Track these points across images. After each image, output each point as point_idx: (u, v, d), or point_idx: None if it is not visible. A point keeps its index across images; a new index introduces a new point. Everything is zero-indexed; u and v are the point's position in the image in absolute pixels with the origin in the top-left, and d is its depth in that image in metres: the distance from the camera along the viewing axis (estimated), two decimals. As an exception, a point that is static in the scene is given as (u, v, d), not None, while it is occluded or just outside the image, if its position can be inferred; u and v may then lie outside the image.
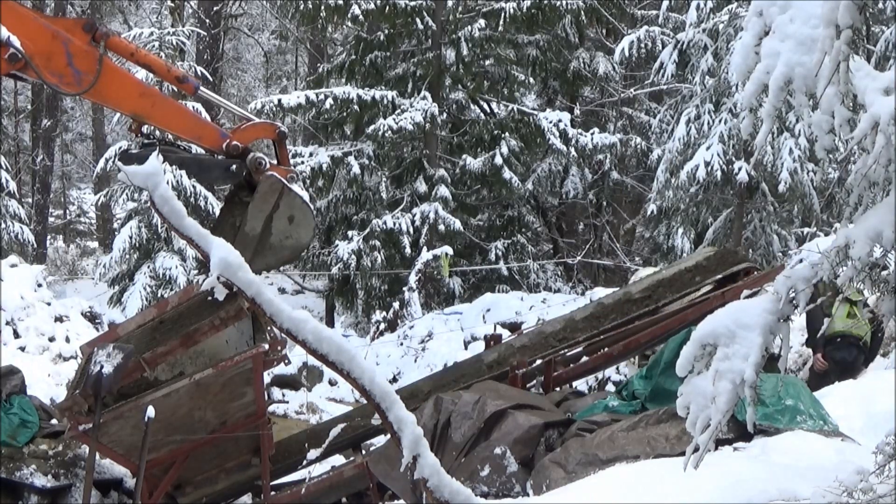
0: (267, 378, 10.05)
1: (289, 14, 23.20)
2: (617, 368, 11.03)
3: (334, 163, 20.02)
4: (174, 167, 6.62)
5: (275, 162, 6.90)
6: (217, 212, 18.79)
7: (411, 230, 19.40)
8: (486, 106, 22.20)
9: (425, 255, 17.75)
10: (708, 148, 15.09)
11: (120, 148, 18.71)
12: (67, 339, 12.17)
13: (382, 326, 16.80)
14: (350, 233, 19.74)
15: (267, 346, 6.64)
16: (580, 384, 11.14)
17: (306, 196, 6.91)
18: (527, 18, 20.51)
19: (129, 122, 6.59)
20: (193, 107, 18.66)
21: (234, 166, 6.55)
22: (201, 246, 4.13)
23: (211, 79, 23.47)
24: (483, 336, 10.75)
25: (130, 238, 18.16)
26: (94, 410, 6.02)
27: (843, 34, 2.64)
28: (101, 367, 5.85)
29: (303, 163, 20.04)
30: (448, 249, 17.58)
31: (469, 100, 21.74)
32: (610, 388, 10.96)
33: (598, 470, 5.07)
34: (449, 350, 14.30)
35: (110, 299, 18.89)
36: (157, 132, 6.75)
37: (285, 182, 6.66)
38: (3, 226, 19.68)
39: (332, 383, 13.97)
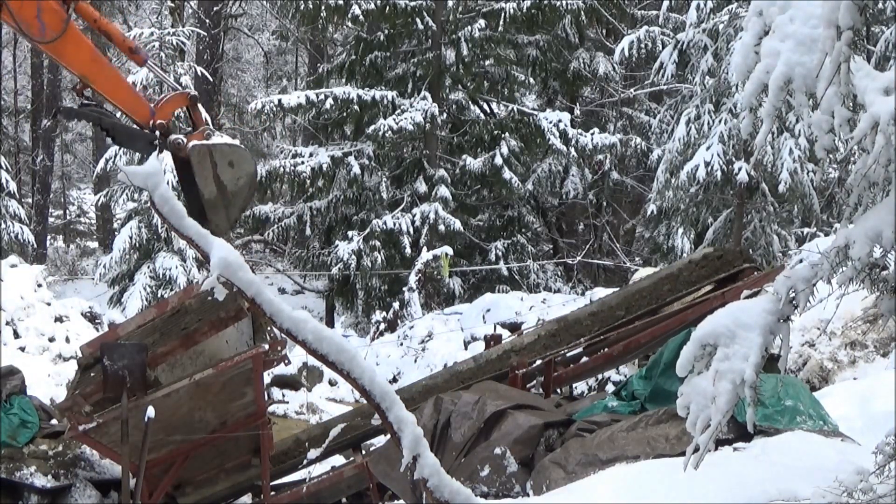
0: (267, 378, 10.06)
1: (289, 14, 23.21)
2: (617, 369, 11.02)
3: (334, 163, 20.03)
4: (103, 129, 6.89)
5: (190, 129, 7.15)
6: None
7: (411, 230, 19.41)
8: (486, 106, 22.21)
9: (425, 255, 17.75)
10: (708, 148, 15.09)
11: (120, 148, 18.73)
12: (67, 340, 12.17)
13: (382, 326, 16.80)
14: (350, 233, 19.75)
15: (267, 346, 6.64)
16: (580, 385, 11.15)
17: (228, 139, 7.18)
18: (527, 19, 20.53)
19: (76, 82, 6.86)
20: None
21: (156, 140, 6.88)
22: (201, 246, 4.12)
23: (211, 79, 23.46)
24: (483, 336, 10.74)
25: (130, 238, 18.15)
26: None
27: (844, 35, 2.64)
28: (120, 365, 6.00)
29: (303, 163, 20.06)
30: (448, 250, 17.58)
31: (469, 100, 21.75)
32: (610, 388, 10.95)
33: (598, 470, 5.07)
34: (449, 350, 14.29)
35: (110, 299, 18.89)
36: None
37: (206, 143, 6.90)
38: (3, 226, 19.68)
39: (332, 383, 13.97)
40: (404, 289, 17.56)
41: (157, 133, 6.81)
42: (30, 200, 26.15)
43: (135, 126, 6.91)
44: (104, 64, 6.97)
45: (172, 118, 7.06)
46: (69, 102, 31.13)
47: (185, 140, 6.82)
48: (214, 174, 6.83)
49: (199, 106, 7.27)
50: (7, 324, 11.74)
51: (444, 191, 19.62)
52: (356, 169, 19.79)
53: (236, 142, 7.32)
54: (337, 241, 19.89)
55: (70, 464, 7.23)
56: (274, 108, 19.88)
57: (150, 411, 5.97)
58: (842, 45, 2.63)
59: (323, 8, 20.27)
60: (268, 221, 22.00)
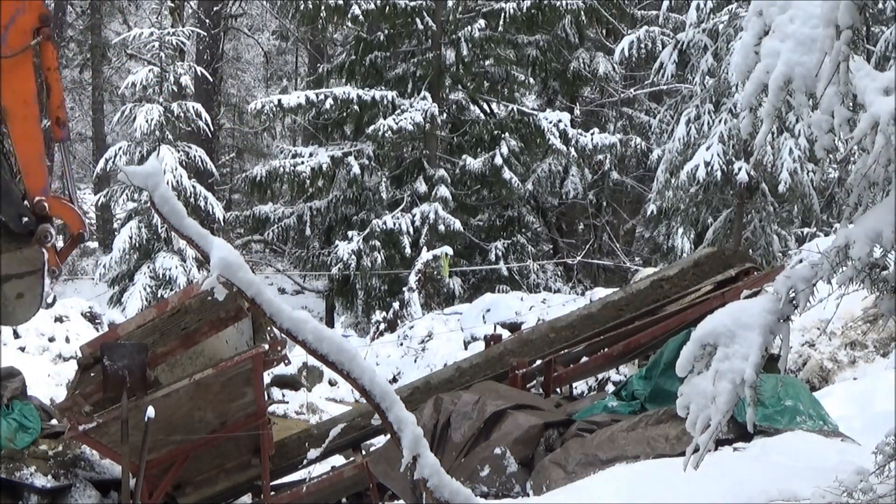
0: (267, 378, 10.06)
1: (289, 14, 23.22)
2: (617, 369, 11.02)
3: (334, 163, 20.03)
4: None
5: (60, 245, 6.65)
6: (217, 212, 18.90)
7: (411, 230, 19.41)
8: (486, 106, 22.21)
9: (425, 255, 17.74)
10: (708, 148, 15.08)
11: (120, 148, 18.76)
12: (67, 340, 12.16)
13: (382, 326, 16.79)
14: (350, 233, 19.75)
15: (267, 346, 6.64)
16: (581, 385, 11.15)
17: (49, 294, 6.73)
18: (527, 19, 20.53)
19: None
20: (194, 108, 18.70)
21: (26, 218, 6.29)
22: (201, 246, 4.12)
23: (211, 79, 23.48)
24: (483, 336, 10.73)
25: (130, 238, 18.16)
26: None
27: (843, 34, 2.64)
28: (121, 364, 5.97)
29: (303, 163, 20.06)
30: (448, 250, 17.58)
31: (469, 100, 21.75)
32: (610, 388, 10.94)
33: (598, 470, 5.07)
34: (449, 350, 14.28)
35: (110, 299, 18.89)
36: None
37: (44, 266, 6.39)
38: (4, 226, 19.65)
39: (332, 383, 13.96)
40: (404, 289, 17.55)
41: (34, 212, 6.27)
42: (30, 200, 26.08)
43: (14, 188, 6.38)
44: (33, 113, 6.41)
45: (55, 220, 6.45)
46: (69, 102, 31.09)
47: (51, 241, 6.33)
48: (7, 276, 6.33)
49: (79, 247, 6.82)
50: (7, 324, 11.73)
51: (443, 191, 19.62)
52: (356, 169, 19.79)
53: (44, 301, 6.76)
54: (337, 241, 19.89)
55: (70, 464, 7.23)
56: (274, 109, 19.88)
57: (150, 411, 5.97)
58: (841, 45, 2.63)
59: (323, 8, 20.27)
60: (268, 221, 22.00)
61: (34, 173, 6.37)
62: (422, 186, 19.99)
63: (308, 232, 21.67)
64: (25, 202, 6.29)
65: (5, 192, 6.27)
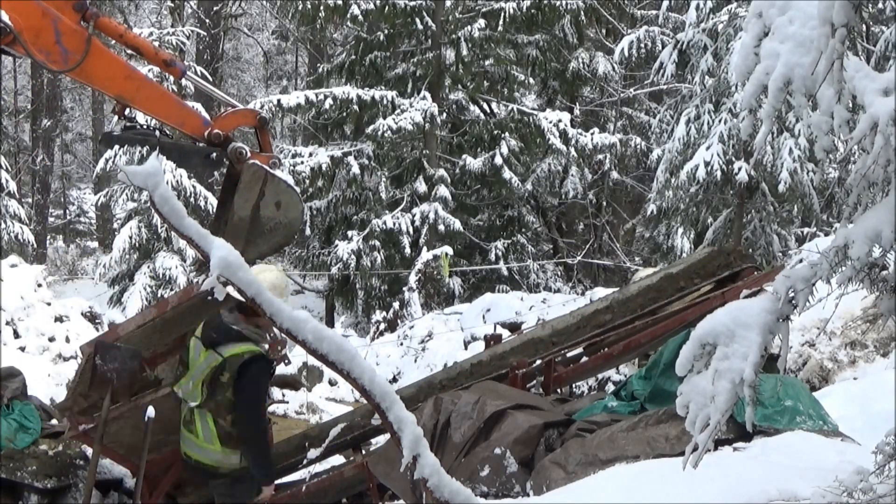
0: (267, 378, 10.03)
1: (289, 14, 23.24)
2: (617, 369, 11.02)
3: (334, 163, 20.05)
4: (158, 154, 6.47)
5: (257, 150, 6.80)
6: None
7: (411, 230, 19.43)
8: (485, 106, 22.23)
9: (425, 255, 17.76)
10: (708, 148, 15.09)
11: (120, 148, 18.73)
12: (67, 339, 12.16)
13: (382, 326, 16.81)
14: (350, 233, 19.76)
15: (267, 346, 6.63)
16: (581, 385, 11.15)
17: (291, 180, 6.83)
18: (526, 18, 20.56)
19: (115, 104, 6.59)
20: (194, 108, 18.68)
21: (214, 154, 6.48)
22: (201, 246, 4.11)
23: (211, 79, 23.48)
24: (483, 336, 10.74)
25: (130, 238, 18.18)
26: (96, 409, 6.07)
27: (838, 32, 2.64)
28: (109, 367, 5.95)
29: (302, 163, 20.08)
30: (448, 249, 17.60)
31: (469, 100, 21.78)
32: (610, 388, 10.94)
33: (598, 470, 5.06)
34: (449, 350, 14.30)
35: (110, 299, 18.91)
36: (141, 116, 6.73)
37: (268, 169, 6.56)
38: (3, 226, 19.70)
39: (332, 383, 13.97)
40: (404, 289, 17.57)
41: (214, 144, 6.42)
42: (30, 200, 26.17)
43: (186, 142, 6.54)
44: (141, 79, 6.53)
45: (232, 132, 6.59)
46: (69, 102, 31.14)
47: (247, 153, 6.48)
48: (256, 203, 6.50)
49: (268, 130, 6.89)
50: (7, 324, 11.74)
51: (443, 191, 19.64)
52: (356, 169, 19.81)
53: (296, 188, 6.88)
54: (337, 241, 19.91)
55: (70, 464, 7.23)
56: (273, 108, 19.89)
57: (150, 411, 5.97)
58: (835, 43, 2.63)
59: (322, 8, 20.29)
60: (268, 221, 21.98)
61: (186, 120, 6.51)
62: (421, 186, 20.01)
63: (308, 232, 21.69)
64: (201, 144, 6.48)
65: (180, 154, 6.61)
